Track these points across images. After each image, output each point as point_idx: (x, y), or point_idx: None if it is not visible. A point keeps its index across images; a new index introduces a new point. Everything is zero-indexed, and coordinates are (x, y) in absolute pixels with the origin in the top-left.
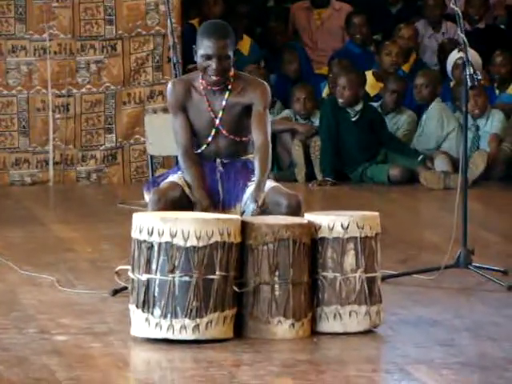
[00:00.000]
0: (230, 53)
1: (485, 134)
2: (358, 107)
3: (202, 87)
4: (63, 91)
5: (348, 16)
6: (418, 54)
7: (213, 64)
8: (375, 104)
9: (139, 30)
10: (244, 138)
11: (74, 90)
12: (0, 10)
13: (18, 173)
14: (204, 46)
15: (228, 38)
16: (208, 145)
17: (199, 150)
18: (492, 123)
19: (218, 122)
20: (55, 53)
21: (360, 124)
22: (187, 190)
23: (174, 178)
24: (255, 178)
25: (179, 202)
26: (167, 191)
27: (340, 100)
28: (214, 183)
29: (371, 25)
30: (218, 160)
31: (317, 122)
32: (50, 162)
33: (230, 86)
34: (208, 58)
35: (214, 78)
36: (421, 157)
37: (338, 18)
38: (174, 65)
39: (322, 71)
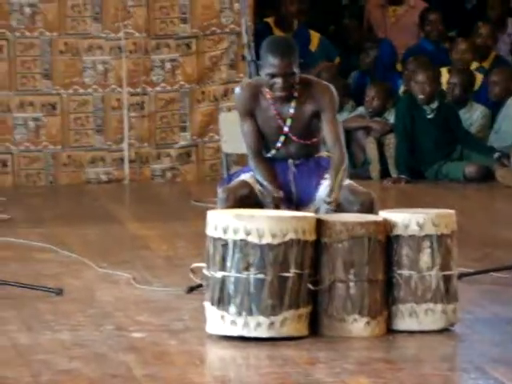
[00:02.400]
0: (295, 69)
1: None
2: (435, 104)
3: (269, 95)
4: (138, 89)
5: (423, 13)
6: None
7: (278, 82)
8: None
9: (214, 28)
10: (314, 139)
11: (149, 89)
12: (77, 9)
13: (93, 171)
14: (269, 65)
15: (292, 55)
16: (278, 150)
17: (269, 155)
18: None
19: (286, 129)
20: (130, 51)
21: (436, 121)
22: (257, 189)
23: (245, 176)
24: (330, 179)
25: (248, 200)
26: (236, 189)
27: (420, 96)
28: (287, 183)
29: (446, 21)
30: (291, 161)
31: (391, 119)
32: (126, 160)
33: (295, 94)
34: (273, 76)
35: (279, 93)
36: (497, 154)
37: (412, 14)
38: (249, 63)
39: (397, 68)
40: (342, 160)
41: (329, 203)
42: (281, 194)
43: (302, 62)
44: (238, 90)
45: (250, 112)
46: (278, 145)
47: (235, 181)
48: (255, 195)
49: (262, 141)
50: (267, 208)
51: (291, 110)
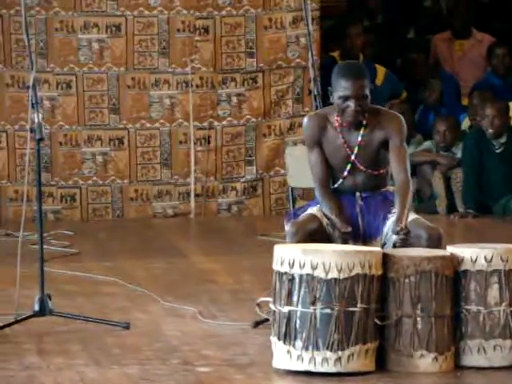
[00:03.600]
0: (367, 92)
1: None
2: (503, 139)
3: (337, 123)
4: (204, 124)
5: (490, 47)
6: None
7: (352, 105)
8: None
9: (280, 62)
10: (381, 171)
11: (216, 123)
12: (144, 44)
13: (160, 205)
14: (341, 88)
15: (365, 78)
16: (344, 179)
17: (336, 185)
18: None
19: (353, 157)
20: (197, 86)
21: (504, 156)
22: (325, 222)
23: (312, 210)
24: (397, 212)
25: (317, 234)
26: (305, 223)
27: (490, 130)
28: (353, 216)
29: None
30: (358, 193)
31: (458, 154)
32: (192, 194)
33: (364, 122)
34: (346, 99)
35: (351, 118)
36: None
37: (479, 48)
38: (315, 97)
39: (463, 102)
40: (407, 185)
41: (398, 232)
42: (349, 228)
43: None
44: (305, 120)
45: (317, 142)
46: (345, 173)
47: (303, 215)
48: (324, 229)
49: (329, 172)
50: (335, 242)
51: (359, 138)
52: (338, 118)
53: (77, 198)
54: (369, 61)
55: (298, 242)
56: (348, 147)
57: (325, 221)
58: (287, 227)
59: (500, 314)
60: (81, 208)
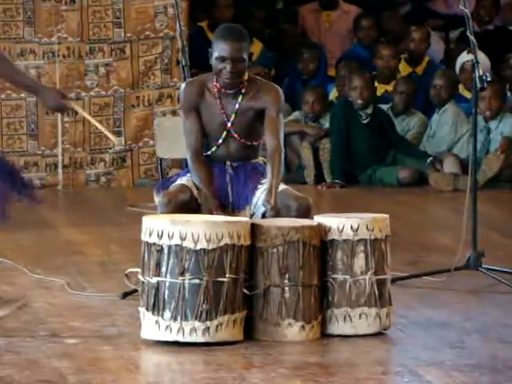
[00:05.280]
0: (245, 56)
1: (496, 137)
2: (369, 110)
3: (215, 89)
4: (72, 94)
5: (356, 18)
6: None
7: (227, 66)
8: (384, 106)
9: (148, 32)
10: (255, 142)
11: (83, 94)
12: (9, 13)
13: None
14: (219, 49)
15: (244, 41)
16: (218, 147)
17: (209, 152)
18: (504, 126)
19: (229, 125)
20: (64, 56)
21: (370, 126)
22: (195, 192)
23: (183, 180)
24: (268, 182)
25: (188, 204)
26: (177, 194)
27: (359, 101)
28: (223, 185)
29: (379, 27)
30: (228, 162)
31: (326, 125)
32: (59, 166)
33: (243, 90)
34: (223, 60)
35: (227, 80)
36: (430, 159)
37: (346, 19)
38: (183, 67)
39: (330, 73)
40: (279, 155)
41: (268, 210)
42: (216, 202)
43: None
44: (183, 86)
45: (194, 108)
46: (219, 141)
47: (174, 185)
48: (194, 200)
49: (202, 140)
50: (204, 212)
51: (236, 106)
52: (217, 84)
53: None
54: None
55: (170, 212)
56: (225, 114)
57: (195, 191)
58: (158, 198)
59: (366, 282)
60: None
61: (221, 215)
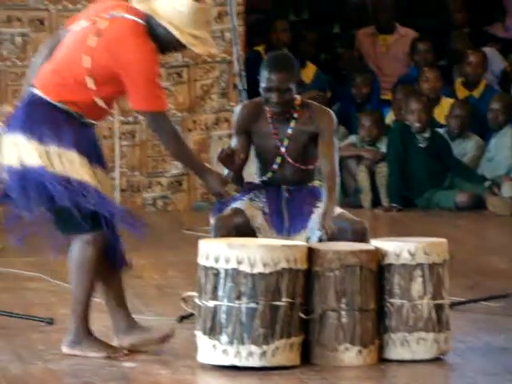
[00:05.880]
0: (292, 85)
1: None
2: (427, 134)
3: (269, 114)
4: (129, 118)
5: (413, 42)
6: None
7: (273, 96)
8: (440, 130)
9: (205, 57)
10: (310, 166)
11: (141, 117)
12: None
13: None
14: (265, 79)
15: (290, 71)
16: (273, 172)
17: (265, 177)
18: None
19: (283, 149)
20: None
21: (428, 150)
22: (249, 215)
23: (237, 203)
24: (323, 206)
25: (242, 228)
26: (230, 217)
27: (417, 125)
28: (279, 209)
29: (436, 50)
30: (284, 186)
31: (382, 148)
32: (117, 189)
33: (295, 115)
34: (268, 90)
35: (275, 109)
36: (488, 183)
37: (403, 43)
38: (240, 91)
39: (386, 97)
40: (334, 179)
41: (325, 232)
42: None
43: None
44: (239, 107)
45: (245, 130)
46: (274, 166)
47: (228, 209)
48: (249, 223)
49: (245, 162)
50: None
51: (289, 131)
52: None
53: None
54: (298, 56)
55: (223, 236)
56: (278, 139)
57: (249, 213)
58: (212, 221)
59: (423, 307)
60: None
61: (275, 236)
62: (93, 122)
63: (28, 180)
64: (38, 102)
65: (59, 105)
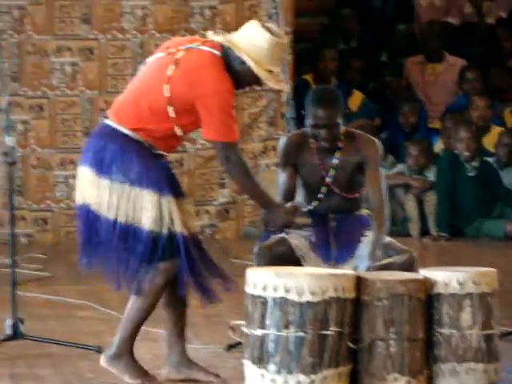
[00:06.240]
0: (339, 120)
1: None
2: (476, 163)
3: (313, 145)
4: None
5: (462, 70)
6: None
7: (322, 133)
8: (490, 159)
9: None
10: (356, 194)
11: (189, 146)
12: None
13: None
14: (312, 116)
15: (336, 105)
16: (320, 201)
17: (311, 207)
18: None
19: (328, 179)
20: None
21: (477, 179)
22: (293, 244)
23: (285, 234)
24: (373, 235)
25: (285, 256)
26: (272, 246)
27: (466, 153)
28: (326, 238)
29: (485, 79)
30: (331, 215)
31: (431, 177)
32: None
33: (340, 145)
34: (317, 126)
35: (323, 144)
36: None
37: (451, 72)
38: (288, 120)
39: (434, 125)
40: (383, 210)
41: (373, 262)
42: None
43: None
44: (283, 138)
45: (291, 162)
46: (320, 196)
47: (272, 237)
48: (292, 252)
49: (293, 195)
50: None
51: (335, 161)
52: (314, 141)
53: (49, 221)
54: (346, 84)
55: (264, 264)
56: (323, 169)
57: (294, 242)
58: (254, 249)
59: (472, 337)
60: (53, 231)
61: (323, 264)
62: (163, 153)
63: (82, 217)
64: (109, 133)
65: (131, 134)
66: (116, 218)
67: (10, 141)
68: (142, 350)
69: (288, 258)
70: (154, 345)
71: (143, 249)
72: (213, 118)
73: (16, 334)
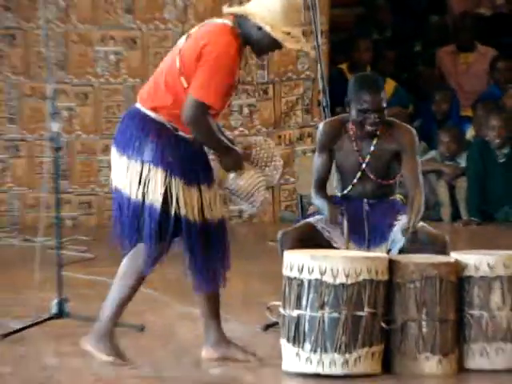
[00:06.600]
0: (385, 104)
1: None
2: (506, 149)
3: (352, 132)
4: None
5: (493, 60)
6: None
7: (372, 117)
8: None
9: (290, 74)
10: (391, 181)
11: (227, 133)
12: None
13: None
14: (361, 101)
15: (383, 90)
16: (354, 186)
17: (345, 191)
18: None
19: (364, 166)
20: None
21: (507, 166)
22: (320, 227)
23: (310, 218)
24: (407, 218)
25: (309, 241)
26: (294, 231)
27: (496, 141)
28: (360, 222)
29: None
30: (365, 200)
31: (462, 163)
32: None
33: (378, 132)
34: (366, 111)
35: (371, 128)
36: None
37: (483, 61)
38: (324, 108)
39: (466, 113)
40: (420, 199)
41: (406, 232)
42: (340, 209)
43: None
44: (321, 124)
45: (327, 148)
46: (355, 181)
47: (300, 222)
48: (318, 234)
49: (327, 179)
50: (332, 242)
51: (372, 148)
52: (353, 127)
53: (93, 205)
54: (379, 74)
55: (288, 248)
56: (360, 156)
57: (320, 225)
58: (278, 235)
59: (502, 318)
60: (97, 214)
61: (357, 249)
62: (187, 136)
63: (114, 196)
64: (133, 114)
65: (153, 115)
66: (131, 196)
67: (55, 127)
68: (183, 330)
69: (312, 242)
70: (194, 325)
71: (153, 226)
72: (204, 76)
73: (61, 313)
